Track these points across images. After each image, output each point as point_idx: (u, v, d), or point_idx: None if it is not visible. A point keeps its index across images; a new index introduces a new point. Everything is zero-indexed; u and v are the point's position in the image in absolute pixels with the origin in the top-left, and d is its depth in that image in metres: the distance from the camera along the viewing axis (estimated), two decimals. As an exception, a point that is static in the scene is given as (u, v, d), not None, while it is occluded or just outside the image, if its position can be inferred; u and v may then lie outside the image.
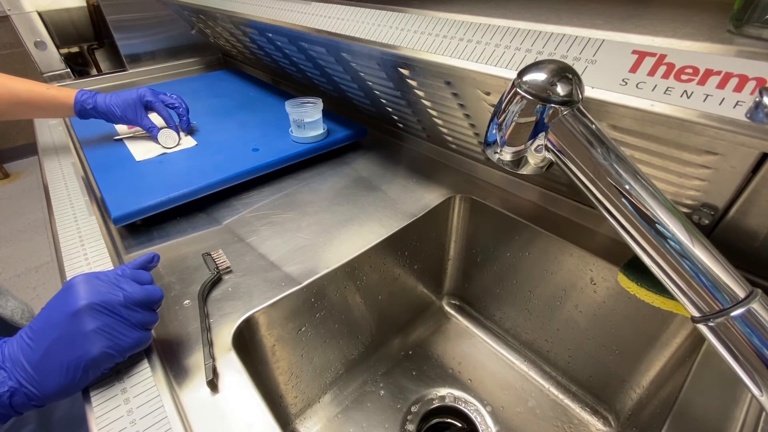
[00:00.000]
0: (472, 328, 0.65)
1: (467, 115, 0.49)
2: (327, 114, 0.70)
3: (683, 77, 0.27)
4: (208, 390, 0.34)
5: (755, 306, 0.21)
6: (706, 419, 0.31)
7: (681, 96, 0.27)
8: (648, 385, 0.46)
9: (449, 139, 0.60)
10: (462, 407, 0.55)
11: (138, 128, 0.73)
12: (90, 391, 0.32)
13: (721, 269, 0.22)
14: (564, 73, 0.25)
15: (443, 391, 0.56)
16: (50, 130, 0.79)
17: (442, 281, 0.67)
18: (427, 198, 0.57)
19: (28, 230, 1.95)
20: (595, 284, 0.47)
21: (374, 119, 0.77)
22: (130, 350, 0.33)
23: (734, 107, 0.25)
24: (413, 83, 0.50)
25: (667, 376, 0.43)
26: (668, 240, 0.23)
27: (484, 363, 0.60)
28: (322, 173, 0.64)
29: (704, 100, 0.26)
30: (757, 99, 0.17)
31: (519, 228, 0.52)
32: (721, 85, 0.26)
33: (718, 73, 0.26)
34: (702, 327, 0.22)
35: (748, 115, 0.18)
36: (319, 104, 0.66)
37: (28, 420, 0.55)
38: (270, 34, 0.70)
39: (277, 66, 0.91)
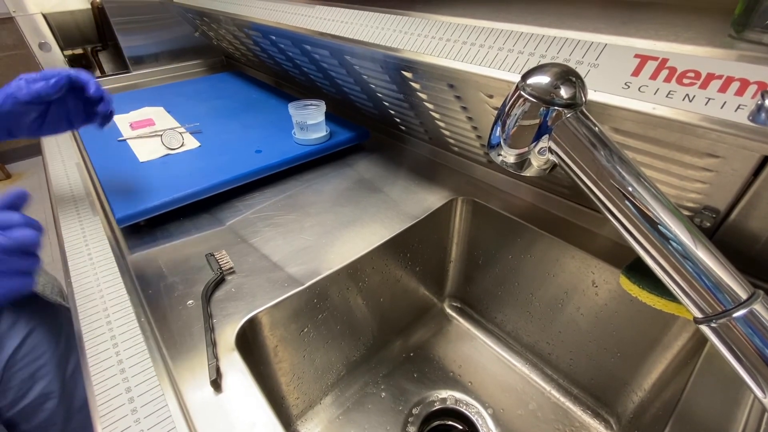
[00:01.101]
0: (473, 331, 0.65)
1: (470, 118, 0.50)
2: (329, 116, 0.70)
3: (685, 81, 0.28)
4: (211, 389, 0.34)
5: (757, 307, 0.21)
6: (708, 422, 0.31)
7: (683, 99, 0.27)
8: (650, 388, 0.46)
9: (451, 141, 0.60)
10: (463, 409, 0.55)
11: (142, 129, 0.73)
12: (94, 389, 0.33)
13: (723, 270, 0.22)
14: (567, 76, 0.26)
15: (444, 394, 0.56)
16: (54, 131, 0.79)
17: (444, 283, 0.67)
18: (429, 200, 0.57)
19: (29, 231, 1.95)
20: (596, 287, 0.47)
21: (377, 121, 0.78)
22: (5, 299, 0.31)
23: (735, 111, 0.25)
24: (416, 86, 0.51)
25: (669, 379, 0.44)
26: (671, 241, 0.23)
27: (485, 365, 0.60)
28: (324, 175, 0.65)
29: (706, 104, 0.26)
30: (759, 102, 0.18)
31: (521, 230, 0.53)
32: (723, 89, 0.26)
33: (720, 77, 0.27)
34: (704, 328, 0.22)
35: (751, 118, 0.18)
36: (322, 106, 0.66)
37: (52, 396, 0.56)
38: (273, 37, 0.71)
39: (280, 68, 0.91)
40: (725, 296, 0.22)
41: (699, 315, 0.23)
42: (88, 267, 0.46)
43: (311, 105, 0.66)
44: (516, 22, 0.38)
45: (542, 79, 0.26)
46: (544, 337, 0.56)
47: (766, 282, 0.37)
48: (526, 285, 0.56)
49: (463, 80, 0.42)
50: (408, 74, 0.49)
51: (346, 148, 0.70)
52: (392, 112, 0.66)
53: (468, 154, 0.61)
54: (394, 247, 0.53)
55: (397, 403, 0.55)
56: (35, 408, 0.55)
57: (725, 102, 0.26)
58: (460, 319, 0.67)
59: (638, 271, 0.37)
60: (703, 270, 0.22)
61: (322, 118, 0.66)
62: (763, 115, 0.17)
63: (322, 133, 0.67)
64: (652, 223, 0.23)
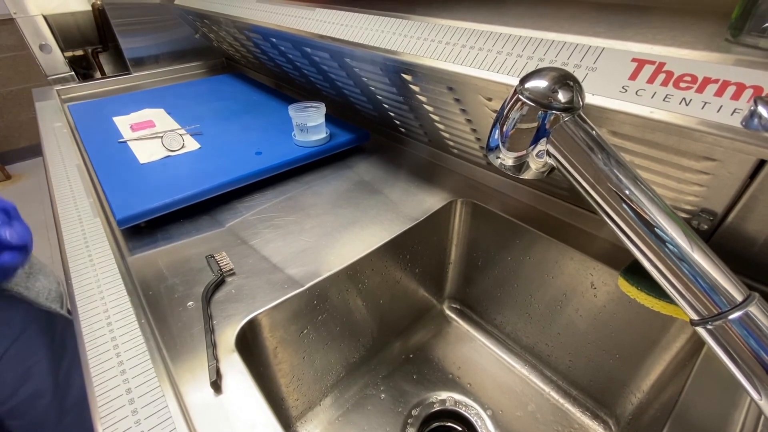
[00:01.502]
0: (472, 332, 0.65)
1: (469, 120, 0.50)
2: (330, 118, 0.71)
3: (682, 85, 0.28)
4: (211, 391, 0.34)
5: (753, 309, 0.21)
6: (706, 423, 0.32)
7: (680, 103, 0.28)
8: (648, 390, 0.46)
9: (451, 143, 0.61)
10: (462, 411, 0.55)
11: (143, 131, 0.74)
12: (95, 390, 0.33)
13: (719, 273, 0.22)
14: (565, 80, 0.26)
15: (444, 395, 0.57)
16: (55, 133, 0.80)
17: (443, 285, 0.67)
18: (428, 202, 0.57)
19: (29, 232, 1.95)
20: (595, 288, 0.47)
21: (376, 123, 0.78)
22: None
23: (732, 115, 0.26)
24: (416, 89, 0.51)
25: (668, 381, 0.44)
26: (667, 244, 0.23)
27: (484, 367, 0.60)
28: (324, 176, 0.65)
29: (702, 108, 0.27)
30: (752, 108, 0.18)
31: (520, 232, 0.53)
32: (719, 93, 0.26)
33: (716, 81, 0.27)
34: (701, 330, 0.23)
35: (743, 123, 0.18)
36: (322, 109, 0.66)
37: (44, 394, 0.56)
38: (274, 39, 0.71)
39: (280, 70, 0.91)
40: (721, 298, 0.22)
41: (695, 317, 0.23)
42: (89, 268, 0.46)
43: (311, 107, 0.66)
44: (515, 26, 0.39)
45: (540, 83, 0.26)
46: (544, 339, 0.56)
47: (764, 284, 0.37)
48: (525, 287, 0.56)
49: (462, 83, 0.42)
50: (407, 77, 0.49)
51: (346, 150, 0.71)
52: (392, 114, 0.66)
53: (467, 156, 0.61)
54: (394, 248, 0.53)
55: (397, 405, 0.55)
56: (26, 406, 0.55)
57: (721, 106, 0.26)
58: (460, 321, 0.67)
59: (636, 273, 0.37)
60: (699, 272, 0.22)
61: (322, 120, 0.67)
62: (755, 120, 0.17)
63: (322, 135, 0.67)
64: (649, 226, 0.24)
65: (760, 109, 0.17)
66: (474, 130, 0.51)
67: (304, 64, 0.73)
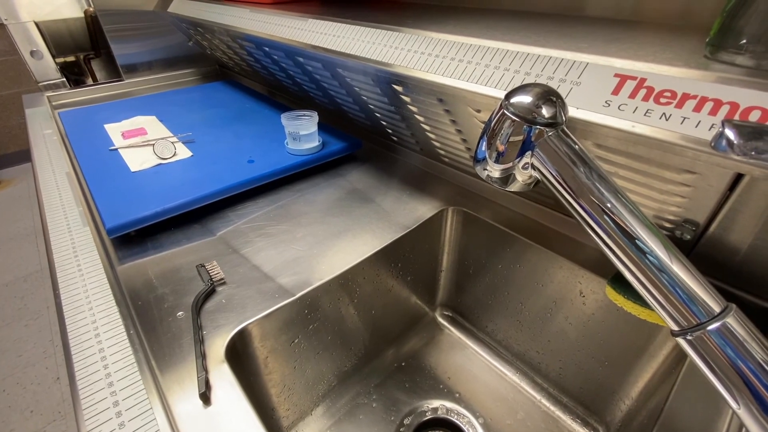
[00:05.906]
0: (464, 340, 0.65)
1: (459, 131, 0.50)
2: (322, 126, 0.71)
3: (662, 100, 0.29)
4: (200, 402, 0.34)
5: (730, 320, 0.22)
6: (691, 430, 0.32)
7: (660, 118, 0.28)
8: (637, 397, 0.47)
9: (442, 152, 0.61)
10: (454, 419, 0.55)
11: (134, 139, 0.73)
12: (81, 403, 0.32)
13: (697, 285, 0.23)
14: (548, 96, 0.27)
15: (436, 403, 0.57)
16: (45, 140, 0.79)
17: (435, 293, 0.67)
18: (420, 210, 0.58)
19: (17, 238, 1.93)
20: (584, 296, 0.48)
21: (369, 132, 0.79)
22: None
23: (709, 130, 0.26)
24: (407, 99, 0.52)
25: (655, 388, 0.44)
26: (647, 255, 0.24)
27: (476, 374, 0.60)
28: (316, 185, 0.65)
29: (681, 123, 0.28)
30: (720, 129, 0.19)
31: (510, 241, 0.53)
32: (697, 109, 0.27)
33: (695, 97, 0.28)
34: (681, 341, 0.23)
35: (713, 144, 0.19)
36: (315, 117, 0.67)
37: None
38: (267, 48, 0.72)
39: (273, 78, 0.92)
40: (700, 309, 0.22)
41: (675, 328, 0.23)
42: (77, 278, 0.45)
43: (304, 116, 0.66)
44: (503, 40, 0.39)
45: (524, 99, 0.27)
46: (534, 346, 0.57)
47: (747, 292, 0.38)
48: (516, 294, 0.56)
49: (452, 95, 0.43)
50: (399, 88, 0.50)
51: (339, 158, 0.71)
52: (384, 123, 0.67)
53: (458, 165, 0.62)
54: (386, 257, 0.53)
55: (389, 414, 0.55)
56: None
57: (699, 121, 0.27)
58: (452, 329, 0.67)
59: (623, 282, 0.38)
60: (678, 284, 0.23)
61: (314, 128, 0.67)
62: (723, 142, 0.18)
63: (314, 143, 0.68)
64: (630, 238, 0.24)
65: (727, 131, 0.18)
66: (464, 140, 0.52)
67: (297, 73, 0.73)
